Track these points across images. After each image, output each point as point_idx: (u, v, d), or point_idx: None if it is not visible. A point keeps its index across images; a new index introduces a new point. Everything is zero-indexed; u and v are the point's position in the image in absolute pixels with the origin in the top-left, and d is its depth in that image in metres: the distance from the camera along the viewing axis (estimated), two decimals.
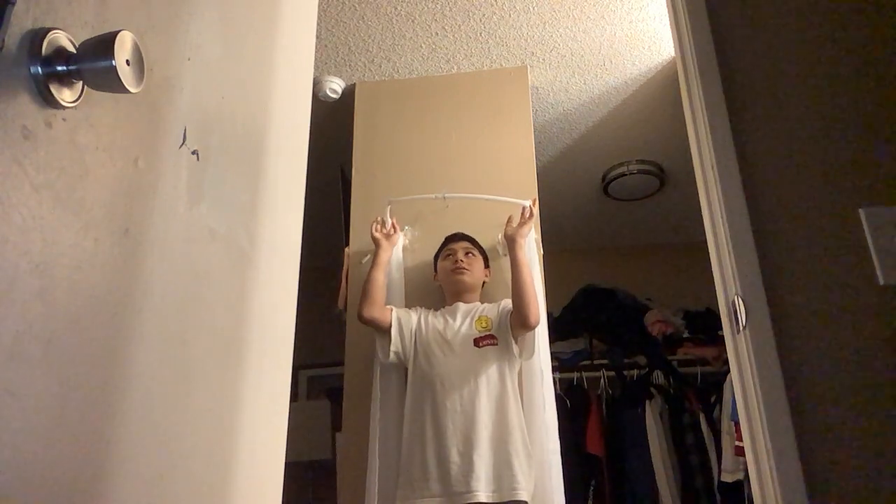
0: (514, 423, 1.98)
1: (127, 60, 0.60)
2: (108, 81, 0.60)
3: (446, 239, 2.33)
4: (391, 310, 2.19)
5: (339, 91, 2.86)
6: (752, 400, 1.16)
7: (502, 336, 2.11)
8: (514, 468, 1.92)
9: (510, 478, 1.91)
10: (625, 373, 3.56)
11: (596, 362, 3.64)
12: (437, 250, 2.35)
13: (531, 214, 2.29)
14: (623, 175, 3.50)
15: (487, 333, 2.11)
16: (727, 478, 3.01)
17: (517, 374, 2.13)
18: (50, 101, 0.58)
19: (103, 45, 0.59)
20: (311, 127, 1.28)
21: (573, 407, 3.41)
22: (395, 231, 2.40)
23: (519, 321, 2.07)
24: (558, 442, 2.08)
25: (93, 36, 0.61)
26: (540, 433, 2.06)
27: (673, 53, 2.12)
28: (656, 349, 3.55)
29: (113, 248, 0.67)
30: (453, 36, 2.63)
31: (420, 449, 1.97)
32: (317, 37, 1.78)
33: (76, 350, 0.61)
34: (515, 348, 2.09)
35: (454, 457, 1.91)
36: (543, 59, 2.75)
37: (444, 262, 2.28)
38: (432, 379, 2.05)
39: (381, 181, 2.67)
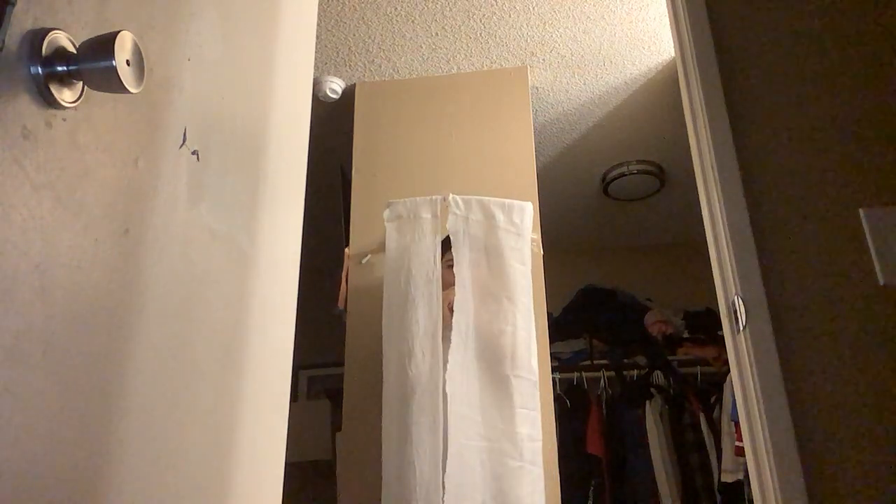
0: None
1: (127, 61, 0.60)
2: (108, 82, 0.60)
3: (444, 244, 2.31)
4: None
5: (339, 91, 2.86)
6: (752, 400, 1.16)
7: None
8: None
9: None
10: (625, 373, 3.56)
11: (596, 362, 3.64)
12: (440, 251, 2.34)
13: None
14: (623, 175, 3.50)
15: None
16: (727, 478, 3.01)
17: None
18: (50, 102, 0.58)
19: (103, 46, 0.59)
20: (311, 127, 1.28)
21: (573, 407, 3.42)
22: None
23: None
24: (538, 445, 2.05)
25: (93, 36, 0.61)
26: (515, 438, 2.03)
27: (673, 53, 2.12)
28: (656, 349, 3.55)
29: (113, 248, 0.67)
30: (453, 36, 2.63)
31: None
32: (317, 37, 1.78)
33: (76, 350, 0.61)
34: None
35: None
36: (543, 60, 2.75)
37: (446, 273, 2.27)
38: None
39: (381, 181, 2.67)
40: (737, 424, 2.77)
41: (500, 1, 2.47)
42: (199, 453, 0.82)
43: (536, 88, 2.90)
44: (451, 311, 2.21)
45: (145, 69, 0.63)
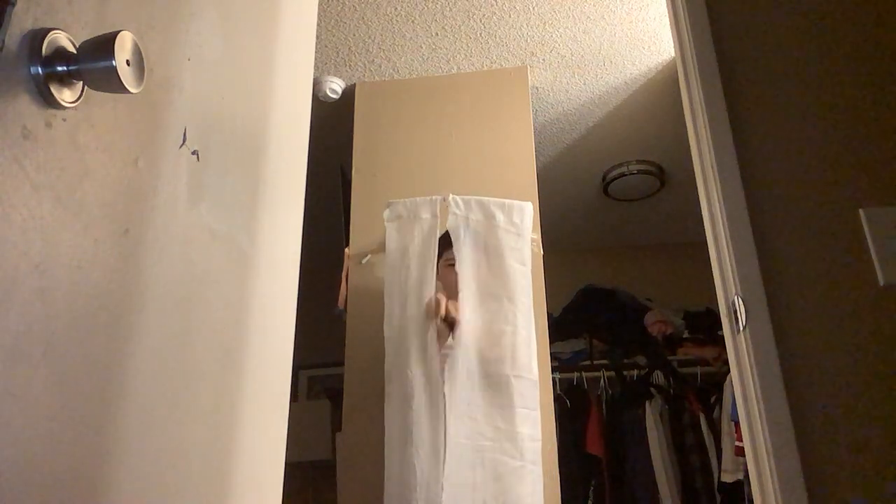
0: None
1: (127, 61, 0.60)
2: (108, 82, 0.60)
3: (443, 241, 2.32)
4: None
5: (339, 91, 2.86)
6: (752, 400, 1.16)
7: None
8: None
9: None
10: (625, 373, 3.56)
11: (596, 362, 3.64)
12: (438, 250, 2.34)
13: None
14: (623, 175, 3.50)
15: None
16: (727, 478, 3.01)
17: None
18: (50, 102, 0.58)
19: (103, 46, 0.59)
20: (311, 127, 1.28)
21: (573, 407, 3.42)
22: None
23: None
24: (539, 445, 2.05)
25: (93, 36, 0.61)
26: (514, 440, 2.03)
27: (673, 53, 2.12)
28: (656, 349, 3.55)
29: (113, 248, 0.67)
30: (453, 36, 2.63)
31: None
32: (317, 37, 1.78)
33: (76, 350, 0.61)
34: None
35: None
36: (543, 60, 2.75)
37: (445, 272, 2.27)
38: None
39: (381, 181, 2.67)
40: (737, 424, 2.77)
41: (500, 1, 2.47)
42: (199, 453, 0.82)
43: (536, 88, 2.90)
44: (450, 313, 2.20)
45: (145, 69, 0.63)
